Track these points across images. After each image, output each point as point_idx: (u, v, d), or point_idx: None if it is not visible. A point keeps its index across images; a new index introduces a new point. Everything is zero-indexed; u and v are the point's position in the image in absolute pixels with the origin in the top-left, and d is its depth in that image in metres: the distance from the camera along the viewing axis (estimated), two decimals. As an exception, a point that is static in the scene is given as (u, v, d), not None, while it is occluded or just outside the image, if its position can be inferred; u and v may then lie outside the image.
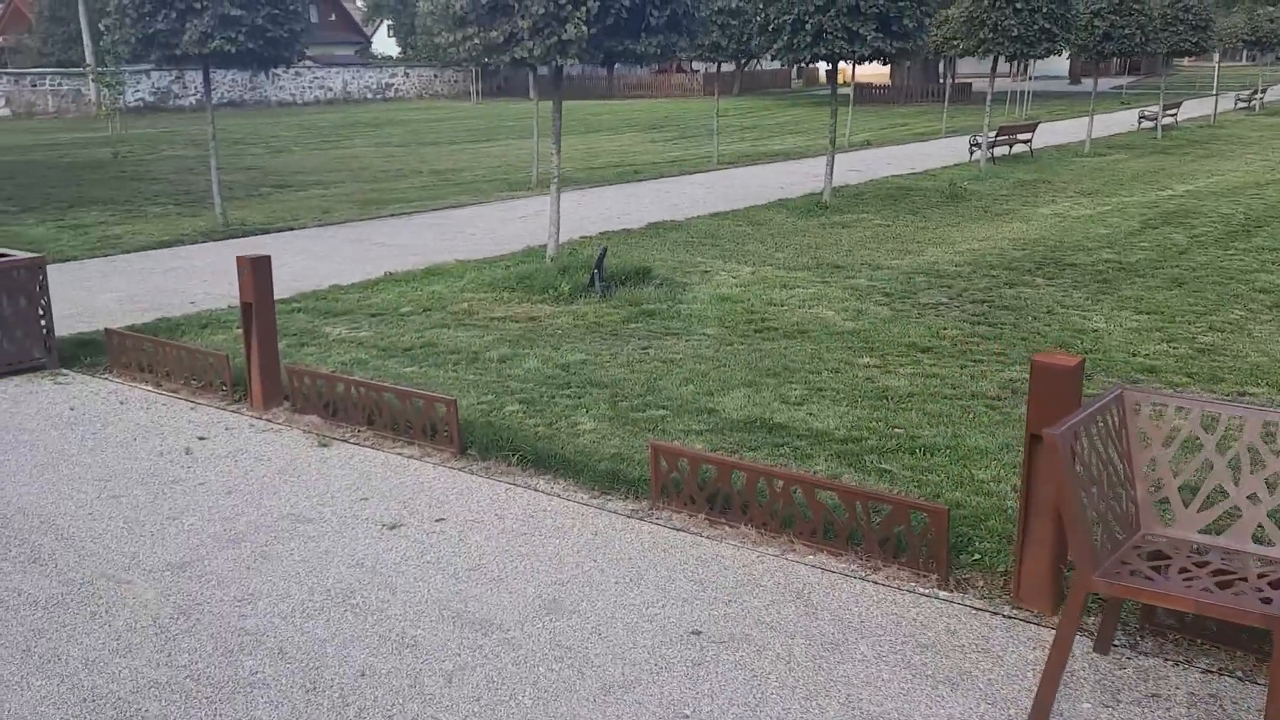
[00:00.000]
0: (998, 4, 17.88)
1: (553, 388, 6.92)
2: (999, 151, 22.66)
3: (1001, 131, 21.47)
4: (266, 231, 13.98)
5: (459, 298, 10.00)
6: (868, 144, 27.11)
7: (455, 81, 59.22)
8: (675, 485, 5.08)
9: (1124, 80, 60.59)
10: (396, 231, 14.00)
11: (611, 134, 33.61)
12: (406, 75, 57.24)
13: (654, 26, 9.83)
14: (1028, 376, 7.07)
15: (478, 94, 55.38)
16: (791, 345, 8.02)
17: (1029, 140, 22.64)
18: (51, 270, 11.14)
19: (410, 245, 12.98)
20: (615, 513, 5.09)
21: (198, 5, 12.70)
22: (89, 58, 41.10)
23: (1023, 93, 39.01)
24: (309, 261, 11.98)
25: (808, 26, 13.70)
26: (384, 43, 78.03)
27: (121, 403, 6.96)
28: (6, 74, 40.76)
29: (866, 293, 9.93)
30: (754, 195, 17.14)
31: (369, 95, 54.61)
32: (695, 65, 64.65)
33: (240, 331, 8.25)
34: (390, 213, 15.61)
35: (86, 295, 10.26)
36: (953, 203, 16.12)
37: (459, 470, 5.68)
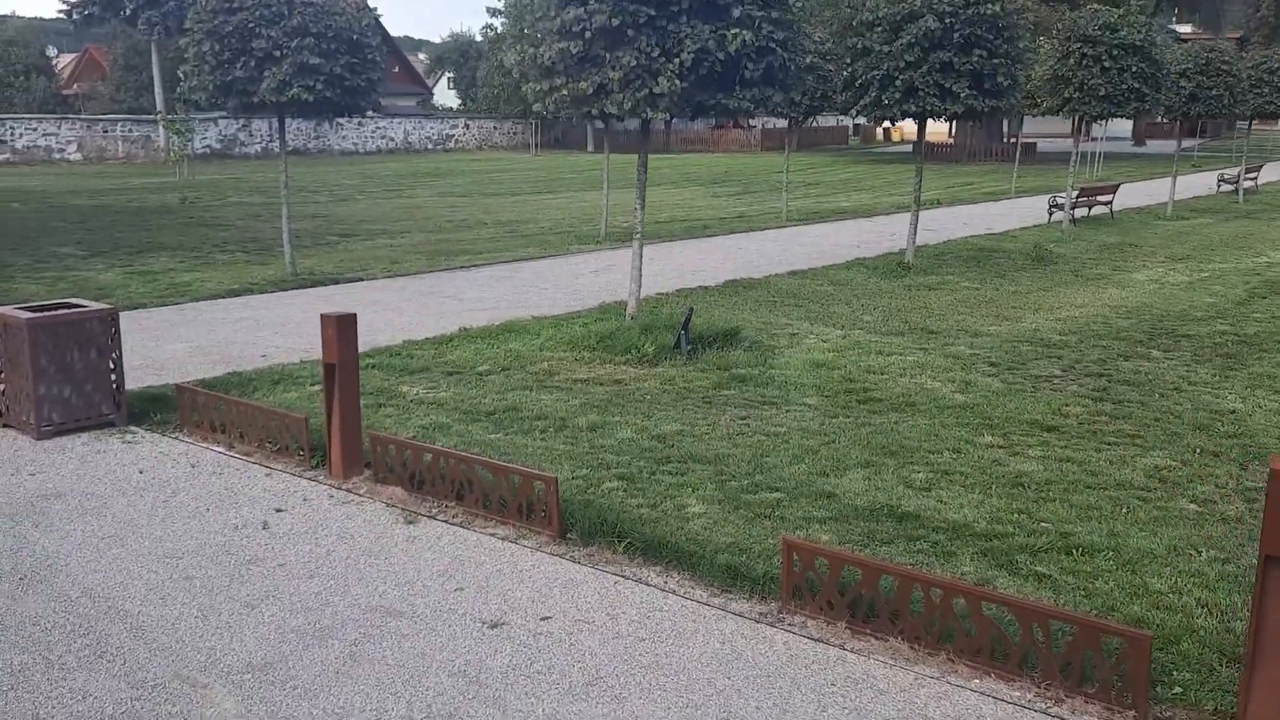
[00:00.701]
0: (1085, 62, 17.33)
1: (651, 462, 6.39)
2: (1077, 213, 21.97)
3: (1082, 193, 20.81)
4: (336, 281, 13.69)
5: (538, 356, 9.55)
6: (938, 203, 26.54)
7: (514, 133, 59.64)
8: (810, 586, 4.51)
9: (1192, 142, 59.50)
10: (467, 284, 13.65)
11: (673, 188, 33.41)
12: (467, 126, 57.76)
13: (749, 80, 9.42)
14: (1175, 464, 6.50)
15: (536, 146, 55.70)
16: (902, 420, 7.44)
17: (1109, 202, 21.95)
18: (121, 319, 10.86)
19: (482, 299, 12.60)
20: (741, 615, 4.53)
21: (277, 54, 12.54)
22: (159, 104, 41.82)
23: (1093, 154, 38.26)
24: (381, 314, 11.62)
25: (898, 83, 13.24)
26: (444, 94, 79.13)
27: (193, 466, 6.54)
28: (79, 119, 41.56)
29: (970, 362, 9.32)
30: (829, 253, 16.63)
31: (430, 145, 55.10)
32: (752, 121, 64.79)
33: (318, 390, 7.86)
34: (460, 264, 15.29)
35: (155, 345, 9.94)
36: (1039, 266, 15.48)
37: (560, 557, 5.15)
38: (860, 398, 8.08)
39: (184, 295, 12.57)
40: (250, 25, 12.50)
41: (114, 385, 7.34)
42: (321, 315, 6.19)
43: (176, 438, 7.16)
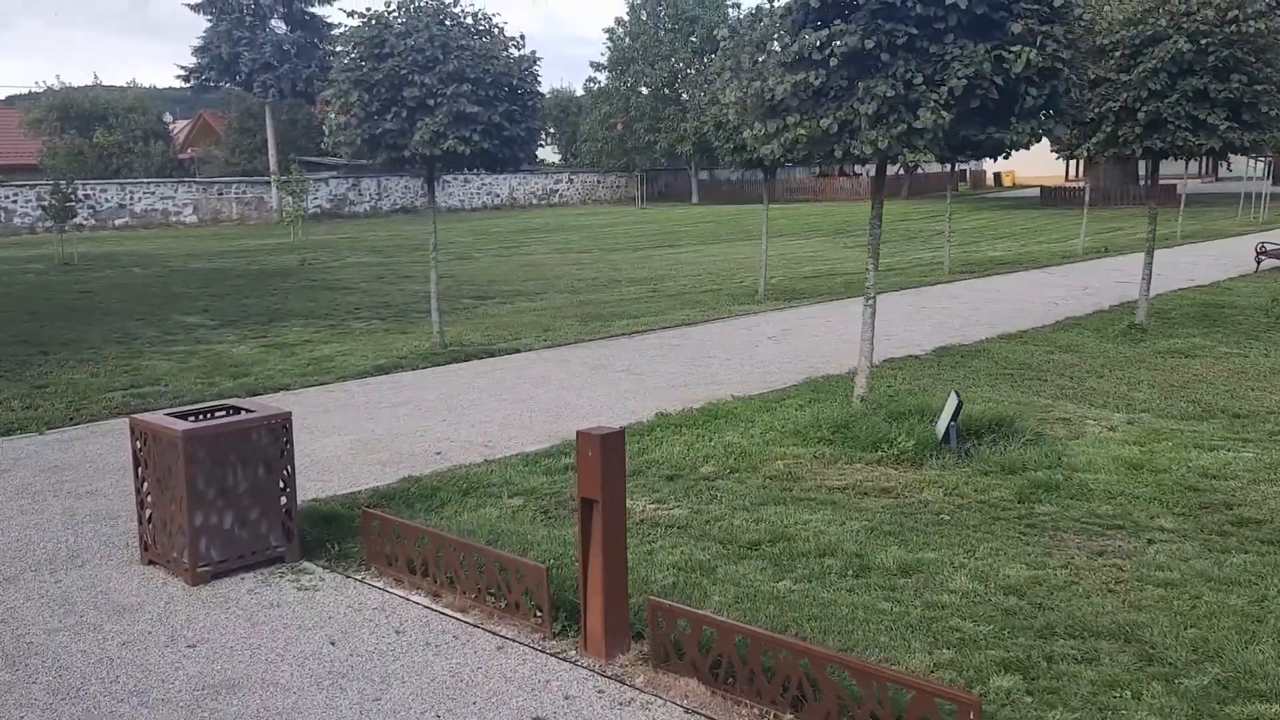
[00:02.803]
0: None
1: (1032, 636, 4.57)
2: (1273, 262, 19.55)
3: (1297, 237, 18.44)
4: (491, 354, 12.19)
5: (765, 452, 7.81)
6: (1105, 251, 24.27)
7: (618, 186, 58.66)
8: None
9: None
10: (636, 354, 12.01)
11: (799, 239, 31.67)
12: (570, 181, 56.94)
13: (1026, 110, 7.64)
14: None
15: (642, 198, 54.56)
16: (1320, 555, 5.49)
17: (1320, 247, 19.51)
18: (266, 402, 9.47)
19: (661, 373, 10.94)
20: None
21: (430, 102, 11.18)
22: (273, 165, 41.68)
23: (1258, 194, 35.44)
24: (556, 393, 10.04)
25: (1140, 115, 11.31)
26: (543, 150, 78.92)
27: (397, 633, 4.91)
28: (195, 182, 41.62)
29: (1326, 459, 7.31)
30: (1028, 312, 14.63)
31: (534, 201, 54.36)
32: (858, 169, 62.84)
33: (521, 506, 6.19)
34: (620, 331, 13.69)
35: (310, 439, 8.46)
36: (1289, 324, 13.28)
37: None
38: (1230, 518, 6.14)
39: (328, 373, 11.17)
40: (402, 72, 11.18)
41: (285, 510, 5.80)
42: (579, 434, 4.53)
43: (364, 580, 5.56)
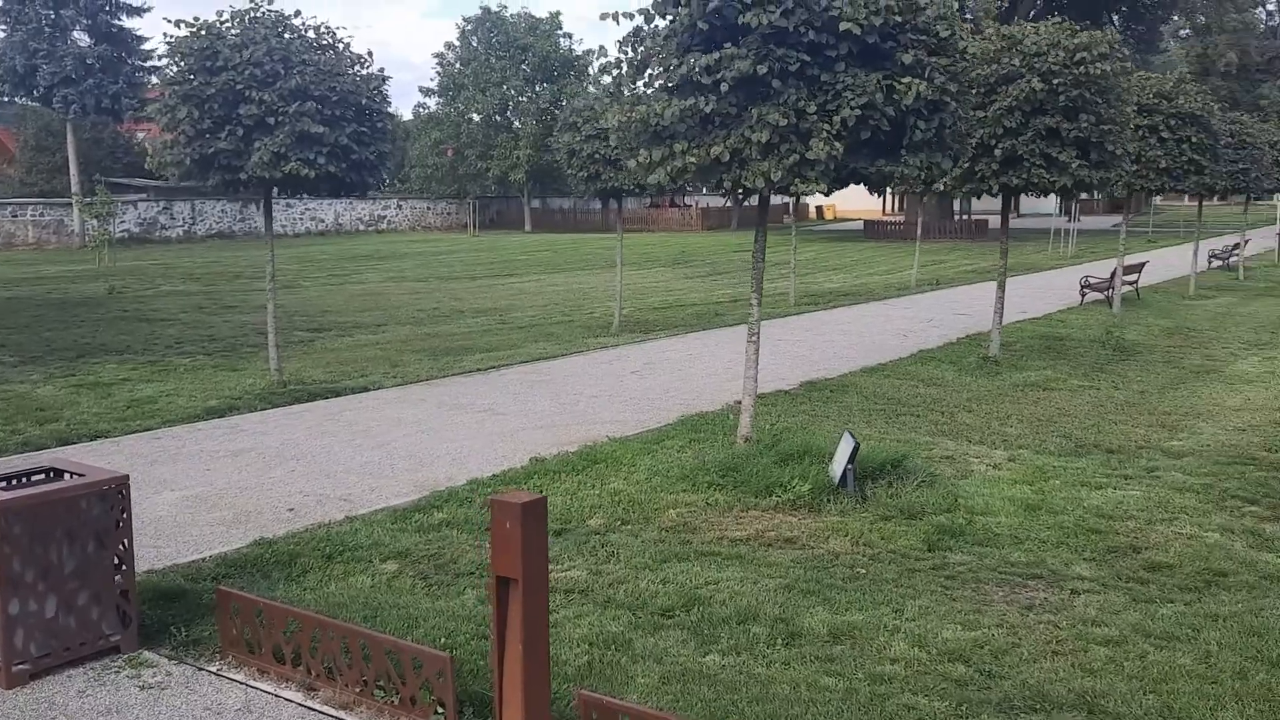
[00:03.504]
0: (1140, 132, 15.93)
1: (991, 711, 4.20)
2: (1096, 295, 20.50)
3: (1115, 272, 19.36)
4: (336, 393, 11.26)
5: (655, 500, 7.31)
6: (937, 284, 25.03)
7: (448, 213, 57.46)
8: None
9: (1118, 219, 59.59)
10: (497, 392, 11.33)
11: (637, 269, 31.49)
12: (399, 207, 55.36)
13: (917, 142, 7.47)
14: None
15: (475, 226, 53.56)
16: (1247, 602, 5.38)
17: (1135, 282, 20.60)
18: (81, 453, 8.34)
19: (527, 412, 10.31)
20: None
21: (270, 121, 10.26)
22: (75, 186, 38.75)
23: (1065, 230, 37.58)
24: (416, 437, 9.27)
25: (997, 152, 11.48)
26: (369, 174, 76.55)
27: (272, 741, 4.14)
28: (-16, 203, 38.22)
29: (1215, 497, 7.36)
30: (880, 345, 14.71)
31: (361, 227, 52.52)
32: (687, 200, 63.62)
33: (398, 572, 5.38)
34: (475, 366, 12.96)
35: (138, 496, 7.37)
36: (1126, 356, 13.76)
37: None
38: (1143, 563, 6.02)
39: (152, 416, 10.02)
40: (238, 87, 10.23)
41: (121, 591, 4.90)
42: (493, 501, 3.90)
43: (220, 673, 4.73)
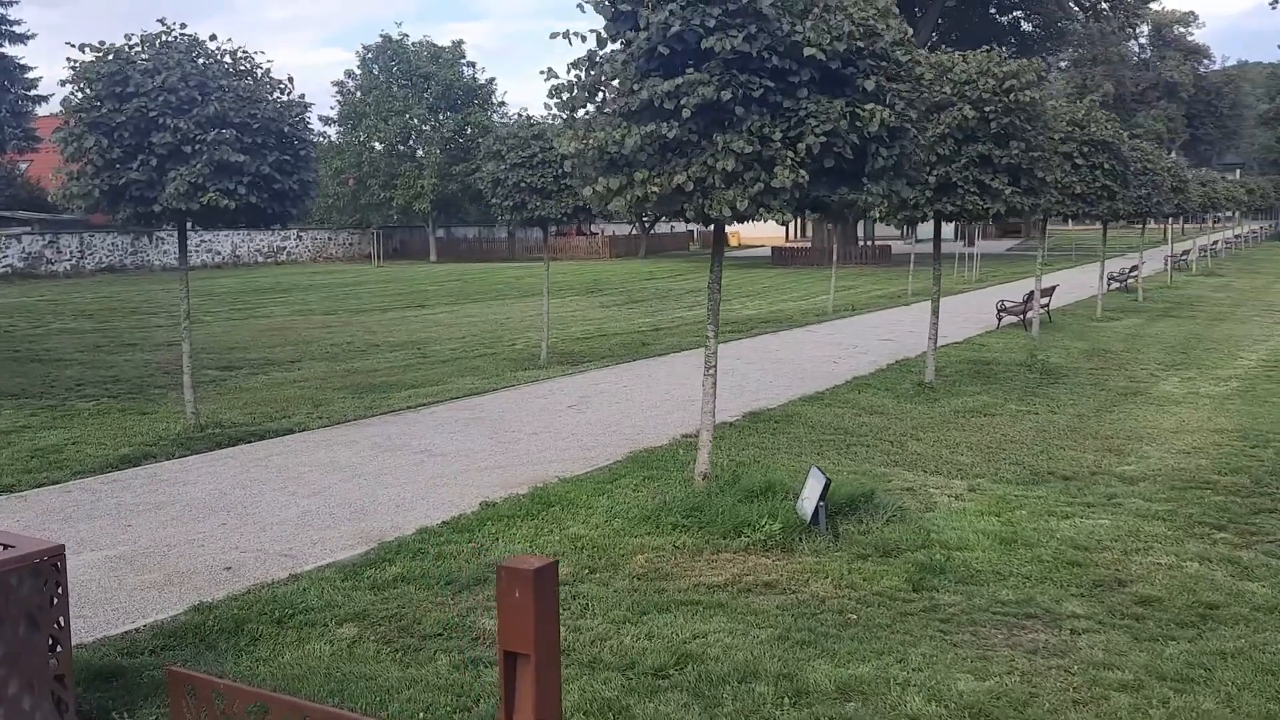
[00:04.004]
0: (1057, 159, 16.23)
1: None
2: (1011, 319, 20.89)
3: (1031, 296, 19.73)
4: (259, 435, 10.62)
5: (620, 545, 6.97)
6: (853, 309, 25.21)
7: (350, 244, 56.27)
8: None
9: (1013, 243, 61.31)
10: (431, 431, 10.84)
11: (556, 299, 31.14)
12: (299, 238, 53.92)
13: (877, 170, 7.33)
14: None
15: (380, 256, 52.50)
16: (1250, 639, 5.27)
17: (1047, 305, 21.02)
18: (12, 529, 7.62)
19: (467, 452, 9.86)
20: None
21: (187, 149, 9.68)
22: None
23: (968, 255, 38.45)
24: (353, 483, 8.74)
25: (931, 179, 11.50)
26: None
27: (248, 847, 3.66)
28: None
29: (1181, 524, 7.33)
30: (812, 373, 14.61)
31: (259, 259, 51.01)
32: (594, 228, 63.48)
33: (358, 637, 4.87)
34: (403, 404, 12.41)
35: (54, 559, 6.77)
36: (1053, 379, 13.93)
37: None
38: (1133, 598, 5.90)
39: (60, 467, 9.28)
40: (151, 114, 9.63)
41: (57, 677, 4.35)
42: (502, 569, 3.51)
43: (176, 765, 4.21)
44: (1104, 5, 51.17)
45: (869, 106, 7.01)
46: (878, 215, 12.41)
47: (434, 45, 53.83)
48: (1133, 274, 29.63)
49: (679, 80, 6.78)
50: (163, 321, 24.21)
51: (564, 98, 7.44)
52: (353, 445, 10.23)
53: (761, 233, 60.70)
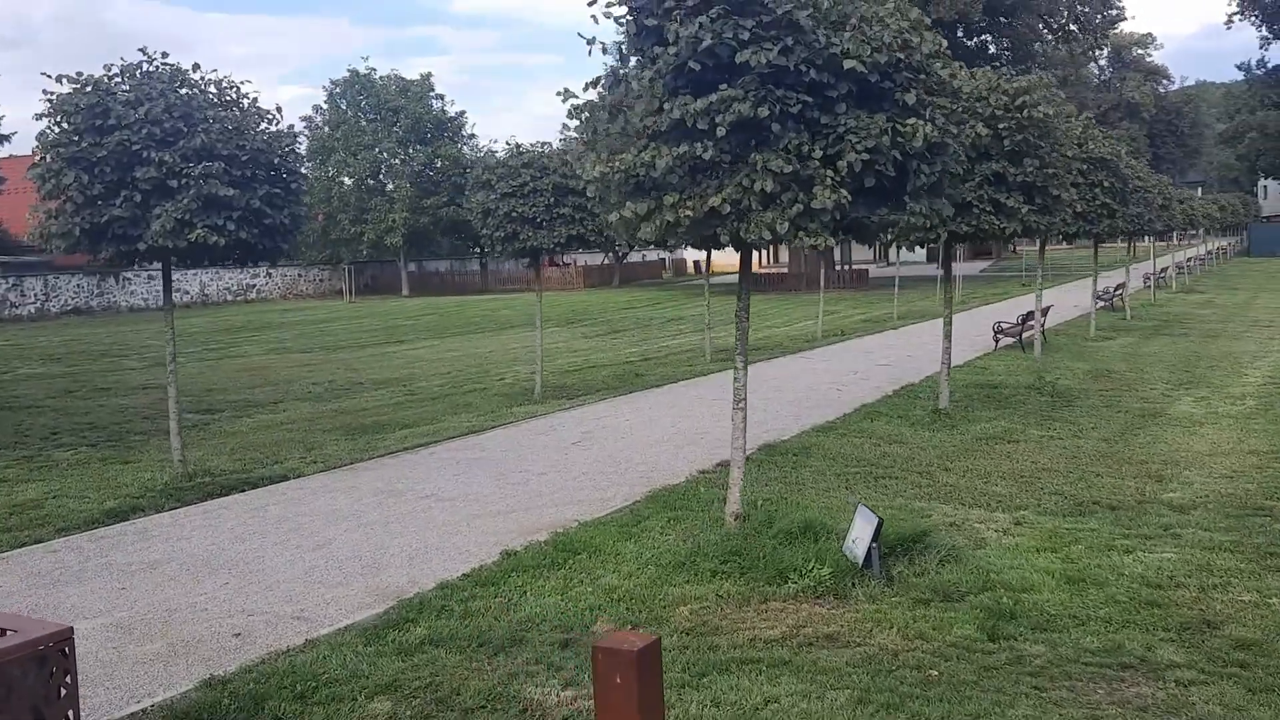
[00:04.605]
0: (1053, 179, 15.99)
1: None
2: (1008, 340, 20.62)
3: (1029, 316, 19.46)
4: (252, 484, 10.03)
5: (659, 596, 6.47)
6: (842, 334, 24.89)
7: (320, 280, 55.53)
8: None
9: (985, 263, 61.46)
10: (434, 473, 10.30)
11: (531, 330, 30.63)
12: (269, 275, 53.10)
13: (919, 188, 6.94)
14: None
15: (351, 292, 51.81)
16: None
17: (1043, 325, 20.76)
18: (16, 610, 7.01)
19: (475, 496, 9.33)
20: None
21: (172, 184, 9.16)
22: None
23: (954, 276, 38.22)
24: (361, 533, 8.19)
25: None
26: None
27: None
28: None
29: (1250, 555, 6.93)
30: (820, 402, 14.20)
31: (229, 297, 50.17)
32: (567, 258, 63.07)
33: (391, 709, 4.44)
34: (400, 445, 11.86)
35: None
36: (1066, 402, 13.60)
37: None
38: (1229, 642, 5.48)
39: (42, 524, 8.66)
40: (134, 147, 9.12)
41: (65, 782, 3.79)
42: (597, 649, 3.03)
43: None
44: (1073, 27, 51.65)
45: (911, 121, 6.62)
46: (887, 238, 12.02)
47: (402, 79, 53.48)
48: (1118, 292, 29.53)
49: (713, 97, 6.37)
50: (135, 364, 23.48)
51: (584, 118, 7.02)
52: (352, 491, 9.67)
53: (733, 259, 60.41)
